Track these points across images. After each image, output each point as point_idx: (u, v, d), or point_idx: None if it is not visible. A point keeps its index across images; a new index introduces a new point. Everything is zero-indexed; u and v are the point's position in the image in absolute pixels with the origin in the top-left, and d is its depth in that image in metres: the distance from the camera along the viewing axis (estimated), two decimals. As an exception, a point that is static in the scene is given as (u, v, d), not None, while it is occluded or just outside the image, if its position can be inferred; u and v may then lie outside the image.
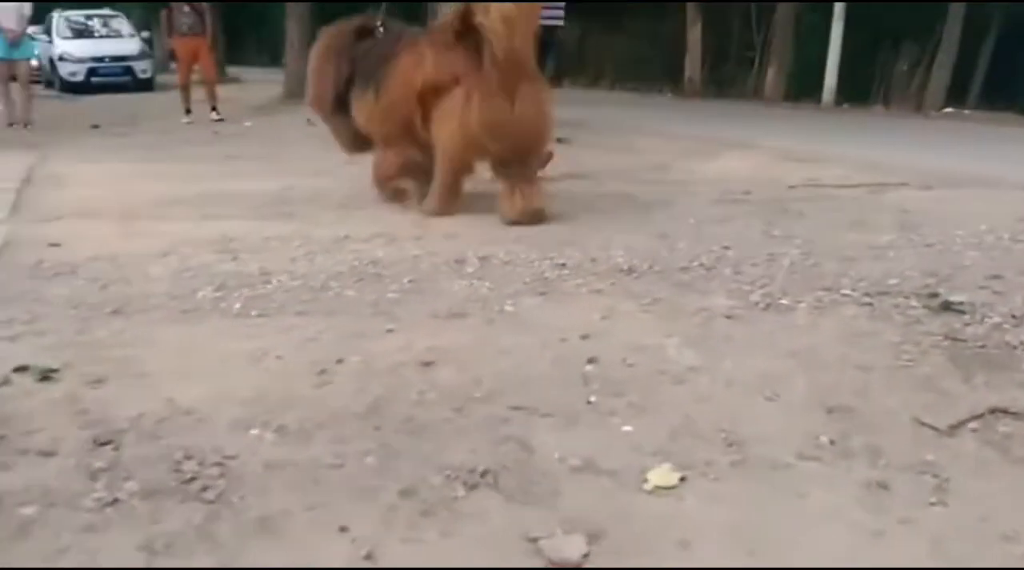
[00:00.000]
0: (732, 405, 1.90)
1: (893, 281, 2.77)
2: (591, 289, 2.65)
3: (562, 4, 4.64)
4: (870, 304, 2.56)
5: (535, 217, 3.62)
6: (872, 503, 1.53)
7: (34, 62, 18.62)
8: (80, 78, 16.13)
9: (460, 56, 3.54)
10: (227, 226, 3.61)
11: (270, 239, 3.35)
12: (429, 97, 3.64)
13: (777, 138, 7.30)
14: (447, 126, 3.58)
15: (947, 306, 2.51)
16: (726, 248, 3.15)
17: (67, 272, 2.86)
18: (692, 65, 16.21)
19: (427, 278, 2.76)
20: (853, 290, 2.69)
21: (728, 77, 20.52)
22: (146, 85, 16.30)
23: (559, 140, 6.71)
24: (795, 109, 12.98)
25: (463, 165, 3.72)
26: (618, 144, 6.61)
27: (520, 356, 2.13)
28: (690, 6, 16.02)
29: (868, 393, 1.97)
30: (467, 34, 3.49)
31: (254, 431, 1.72)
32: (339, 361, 2.06)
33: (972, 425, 1.81)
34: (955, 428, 1.80)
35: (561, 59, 22.21)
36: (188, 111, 9.77)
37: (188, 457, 1.60)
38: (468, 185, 3.92)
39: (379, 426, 1.77)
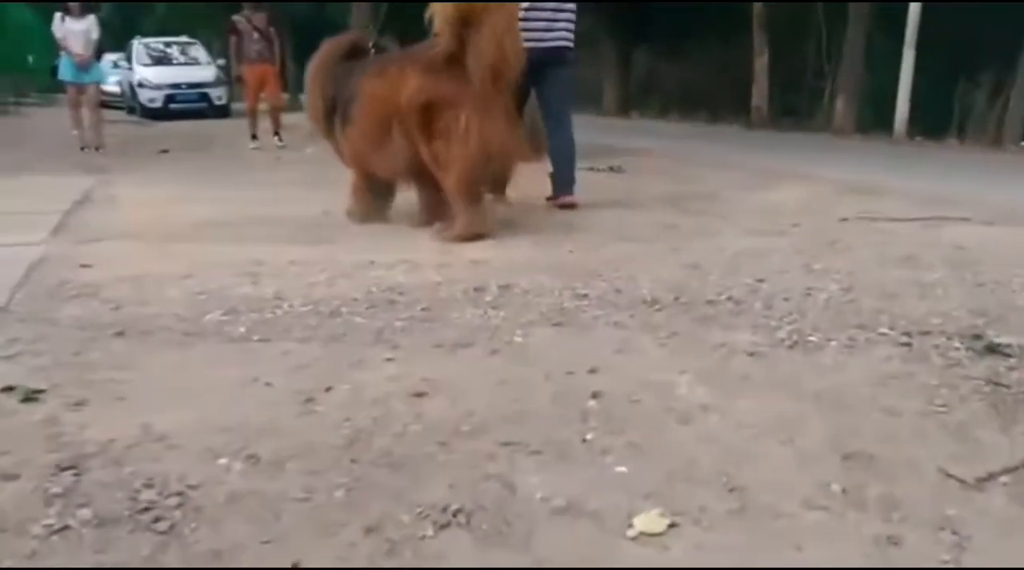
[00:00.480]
0: (739, 448, 1.78)
1: (936, 320, 2.60)
2: (609, 321, 2.55)
3: (570, 23, 4.69)
4: (908, 344, 2.40)
5: (476, 238, 3.75)
6: (878, 559, 1.40)
7: (115, 87, 19.62)
8: (158, 104, 16.74)
9: (451, 79, 3.60)
10: (259, 249, 3.62)
11: (295, 263, 3.34)
12: (422, 121, 3.68)
13: (839, 169, 7.06)
14: (455, 149, 3.63)
15: (992, 348, 2.33)
16: (760, 281, 3.01)
17: (88, 293, 2.89)
18: (759, 95, 15.95)
19: (442, 306, 2.70)
20: (891, 329, 2.52)
21: (796, 107, 20.14)
22: (222, 111, 16.81)
23: (611, 169, 6.65)
24: (864, 141, 12.59)
25: (477, 185, 3.78)
26: (671, 173, 6.49)
27: (519, 389, 2.04)
28: (757, 35, 15.79)
29: (892, 440, 1.83)
30: (455, 58, 3.58)
31: (223, 460, 1.67)
32: (328, 390, 2.01)
33: (1004, 479, 1.65)
34: (984, 481, 1.64)
35: (629, 86, 22.13)
36: (254, 137, 10.00)
37: (148, 485, 1.56)
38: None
39: (356, 459, 1.70)
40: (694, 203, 4.94)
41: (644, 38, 23.29)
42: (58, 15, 9.08)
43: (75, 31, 9.00)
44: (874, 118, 14.67)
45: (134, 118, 16.60)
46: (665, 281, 2.99)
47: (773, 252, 3.52)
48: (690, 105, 27.43)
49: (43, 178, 6.52)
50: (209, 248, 3.70)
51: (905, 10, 12.51)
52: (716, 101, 27.34)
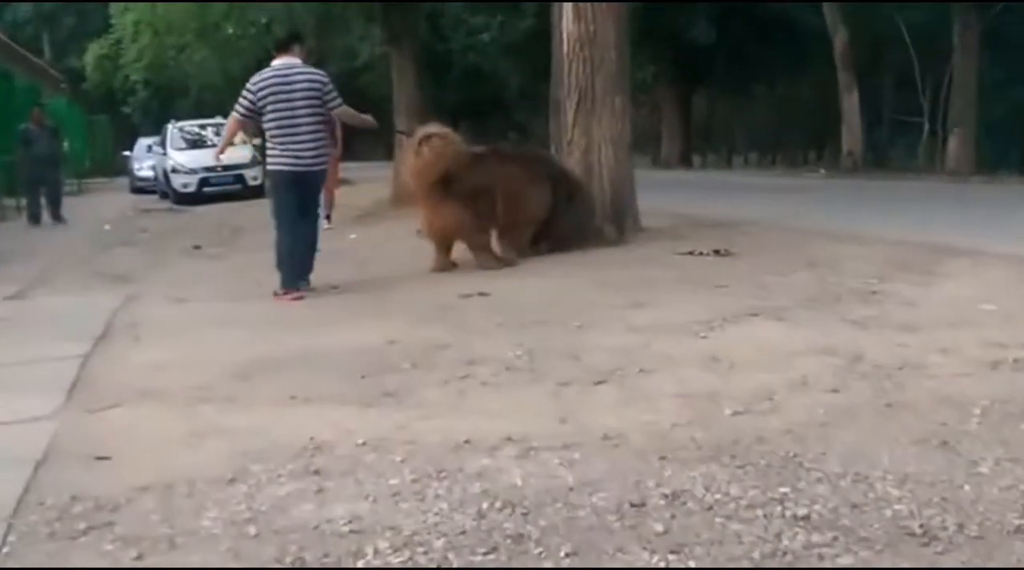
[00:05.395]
0: None
1: None
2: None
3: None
4: None
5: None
6: None
7: (149, 173, 19.64)
8: (192, 189, 16.61)
9: None
10: (314, 419, 2.96)
11: (366, 447, 2.65)
12: None
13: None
14: None
15: None
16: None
17: (101, 524, 2.22)
18: (851, 137, 15.11)
19: (590, 543, 1.94)
20: None
21: (883, 146, 19.24)
22: (257, 191, 16.47)
23: (716, 252, 5.87)
24: (991, 183, 11.60)
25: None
26: (794, 254, 5.67)
27: None
28: (842, 73, 15.00)
29: None
30: None
31: None
32: None
33: None
34: None
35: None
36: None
37: None
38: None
39: None
40: (852, 305, 4.10)
41: (703, 80, 22.62)
42: None
43: None
44: (992, 156, 13.71)
45: (166, 204, 16.45)
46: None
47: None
48: (758, 150, 26.67)
49: (62, 299, 6.01)
50: (252, 417, 3.04)
51: (1016, 34, 11.73)
52: (789, 145, 26.53)
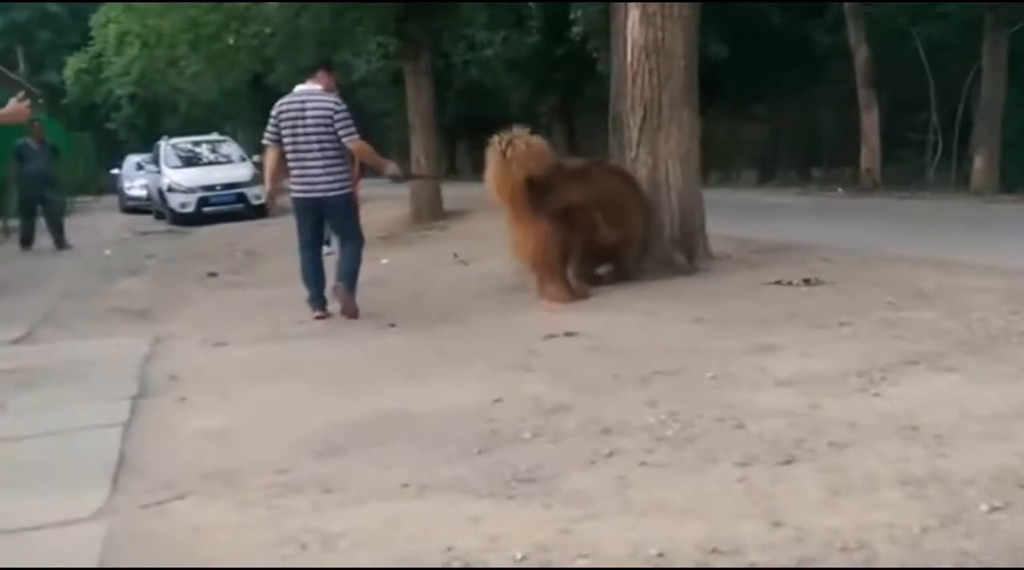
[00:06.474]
0: None
1: None
2: None
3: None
4: None
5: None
6: None
7: (141, 191, 18.90)
8: (191, 209, 15.81)
9: None
10: (442, 519, 2.39)
11: (528, 563, 2.09)
12: None
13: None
14: None
15: None
16: None
17: None
18: (870, 155, 14.66)
19: None
20: None
21: (893, 164, 18.81)
22: (260, 211, 15.75)
23: (806, 281, 5.36)
24: (1021, 203, 11.20)
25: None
26: (886, 282, 5.14)
27: None
28: (863, 89, 14.56)
29: None
30: None
31: None
32: None
33: None
34: None
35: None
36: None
37: None
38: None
39: None
40: (1020, 350, 3.56)
41: (715, 97, 22.18)
42: None
43: None
44: (1011, 175, 13.35)
45: (164, 225, 15.74)
46: None
47: None
48: (758, 169, 26.14)
49: (80, 344, 5.37)
50: (358, 516, 2.45)
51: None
52: (786, 163, 26.09)
